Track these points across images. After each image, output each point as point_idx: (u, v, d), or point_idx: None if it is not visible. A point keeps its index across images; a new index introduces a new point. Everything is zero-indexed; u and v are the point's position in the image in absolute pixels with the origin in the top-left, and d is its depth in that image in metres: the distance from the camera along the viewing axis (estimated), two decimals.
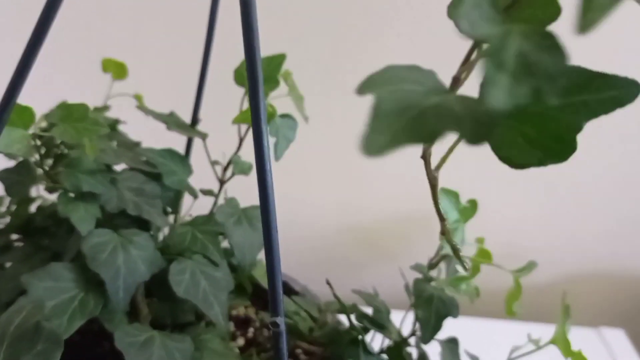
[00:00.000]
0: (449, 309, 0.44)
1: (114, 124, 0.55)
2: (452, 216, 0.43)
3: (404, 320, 0.50)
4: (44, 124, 0.53)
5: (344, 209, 0.91)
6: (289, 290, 0.60)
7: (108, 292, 0.41)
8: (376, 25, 0.79)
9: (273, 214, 0.31)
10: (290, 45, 0.81)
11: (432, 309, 0.44)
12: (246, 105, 0.51)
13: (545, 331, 0.62)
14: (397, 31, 0.79)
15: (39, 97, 0.57)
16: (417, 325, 0.48)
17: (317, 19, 0.79)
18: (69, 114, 0.39)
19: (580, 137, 0.78)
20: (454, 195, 0.43)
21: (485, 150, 0.84)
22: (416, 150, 0.91)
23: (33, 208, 0.55)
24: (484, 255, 0.48)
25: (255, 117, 0.31)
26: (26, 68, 0.30)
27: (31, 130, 0.41)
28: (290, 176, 0.85)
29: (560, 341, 0.40)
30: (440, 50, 0.80)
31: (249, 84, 0.30)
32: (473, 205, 0.44)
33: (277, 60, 0.50)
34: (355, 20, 0.79)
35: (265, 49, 0.52)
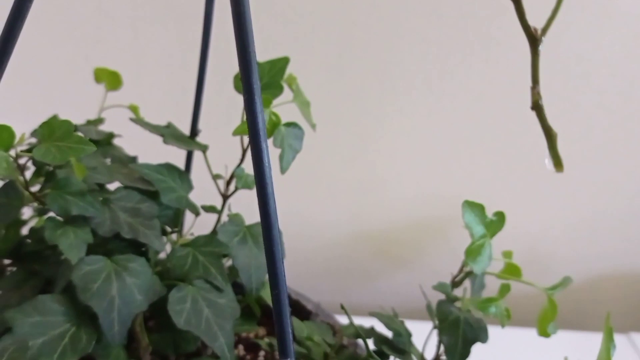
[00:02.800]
0: (477, 333, 0.40)
1: (108, 138, 0.51)
2: (477, 231, 0.39)
3: (427, 343, 0.46)
4: (33, 140, 0.49)
5: (355, 218, 0.87)
6: (301, 310, 0.56)
7: (102, 326, 0.37)
8: (385, 23, 0.75)
9: (277, 245, 0.27)
10: (294, 47, 0.77)
11: (459, 333, 0.40)
12: None
13: (574, 340, 0.57)
14: (407, 29, 0.75)
15: (30, 111, 0.54)
16: (441, 350, 0.44)
17: (322, 18, 0.75)
18: (51, 132, 0.36)
19: (603, 141, 0.71)
20: (479, 208, 0.39)
21: (504, 159, 0.78)
22: (429, 156, 0.86)
23: (26, 230, 0.52)
24: (513, 271, 0.44)
25: (253, 134, 0.27)
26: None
27: (13, 151, 0.37)
28: (299, 185, 0.81)
29: None
30: (451, 44, 0.76)
31: (245, 98, 0.27)
32: (500, 218, 0.40)
33: (280, 63, 0.46)
34: (363, 18, 0.75)
35: (267, 52, 0.48)
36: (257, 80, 0.26)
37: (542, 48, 0.28)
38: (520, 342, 0.70)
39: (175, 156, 0.53)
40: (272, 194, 0.27)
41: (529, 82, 0.84)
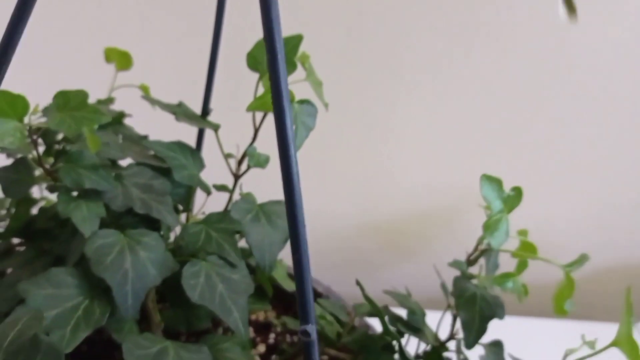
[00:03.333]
0: (493, 309, 0.40)
1: (119, 117, 0.51)
2: (495, 206, 0.39)
3: (440, 322, 0.46)
4: (42, 119, 0.49)
5: (361, 209, 0.86)
6: (312, 291, 0.55)
7: (115, 299, 0.37)
8: (394, 10, 0.75)
9: (300, 208, 0.27)
10: (303, 31, 0.76)
11: (476, 309, 0.40)
12: (260, 91, 0.47)
13: (580, 330, 0.57)
14: (416, 16, 0.74)
15: (38, 90, 0.53)
16: (456, 328, 0.44)
17: (331, 5, 0.75)
18: (65, 101, 0.35)
19: (612, 131, 0.70)
20: (497, 182, 0.39)
21: (511, 150, 0.77)
22: (437, 147, 0.85)
23: (35, 210, 0.51)
24: (529, 249, 0.43)
25: (276, 94, 0.26)
26: (11, 43, 0.26)
27: (26, 123, 0.37)
28: (304, 176, 0.81)
29: (625, 343, 0.35)
30: (461, 31, 0.76)
31: (268, 58, 0.26)
32: (518, 193, 0.40)
33: (294, 41, 0.46)
34: (372, 5, 0.74)
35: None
36: (281, 41, 0.26)
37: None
38: (525, 331, 0.69)
39: (183, 138, 0.52)
40: (295, 156, 0.27)
41: (539, 72, 0.83)
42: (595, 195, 0.84)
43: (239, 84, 0.59)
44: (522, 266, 0.40)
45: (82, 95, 0.35)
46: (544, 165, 0.82)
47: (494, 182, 0.39)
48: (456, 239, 0.89)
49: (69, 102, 0.35)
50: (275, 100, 0.26)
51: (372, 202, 0.87)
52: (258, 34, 0.48)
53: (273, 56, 0.26)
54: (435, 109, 0.80)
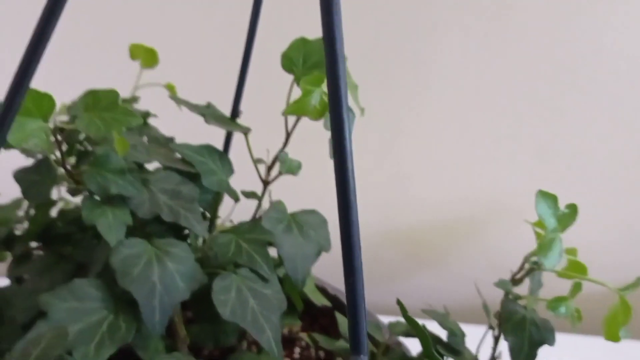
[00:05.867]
0: (543, 334, 0.37)
1: (143, 117, 0.49)
2: (550, 224, 0.36)
3: (480, 345, 0.43)
4: (64, 117, 0.47)
5: (382, 218, 0.84)
6: (341, 305, 0.53)
7: (142, 314, 0.34)
8: (422, 12, 0.72)
9: (356, 228, 0.25)
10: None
11: (525, 335, 0.37)
12: (294, 94, 0.45)
13: (609, 347, 0.54)
14: (445, 19, 0.72)
15: (58, 87, 0.51)
16: (498, 351, 0.41)
17: (357, 4, 0.72)
18: (95, 102, 0.33)
19: None
20: (552, 199, 0.36)
21: (538, 162, 0.73)
22: (461, 156, 0.82)
23: (54, 212, 0.49)
24: (578, 269, 0.40)
25: (335, 101, 0.24)
26: (42, 40, 0.24)
27: (51, 122, 0.35)
28: (325, 182, 0.78)
29: None
30: (490, 37, 0.73)
31: (327, 61, 0.24)
32: (573, 210, 0.37)
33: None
34: (400, 6, 0.72)
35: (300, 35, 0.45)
36: (342, 44, 0.23)
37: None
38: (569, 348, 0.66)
39: (207, 141, 0.50)
40: (353, 173, 0.25)
41: (568, 85, 0.80)
42: (625, 209, 0.81)
43: (270, 85, 0.56)
44: (576, 289, 0.38)
45: (112, 95, 0.33)
46: (571, 178, 0.80)
47: (550, 198, 0.36)
48: (476, 250, 0.87)
49: (98, 102, 0.33)
50: (333, 112, 0.24)
51: (392, 211, 0.84)
52: (293, 31, 0.45)
53: (333, 61, 0.23)
54: (459, 120, 0.77)
